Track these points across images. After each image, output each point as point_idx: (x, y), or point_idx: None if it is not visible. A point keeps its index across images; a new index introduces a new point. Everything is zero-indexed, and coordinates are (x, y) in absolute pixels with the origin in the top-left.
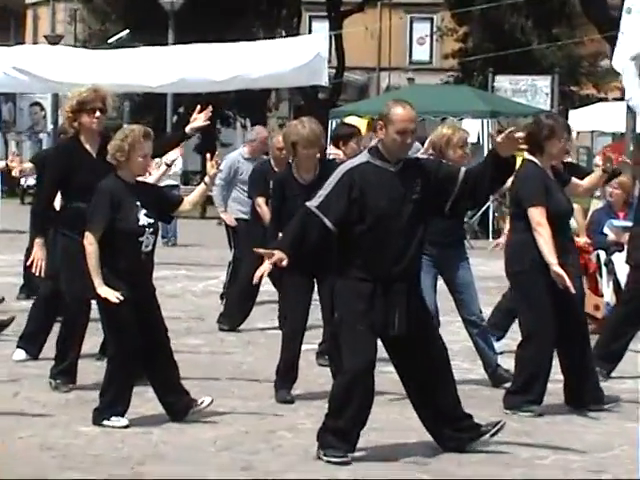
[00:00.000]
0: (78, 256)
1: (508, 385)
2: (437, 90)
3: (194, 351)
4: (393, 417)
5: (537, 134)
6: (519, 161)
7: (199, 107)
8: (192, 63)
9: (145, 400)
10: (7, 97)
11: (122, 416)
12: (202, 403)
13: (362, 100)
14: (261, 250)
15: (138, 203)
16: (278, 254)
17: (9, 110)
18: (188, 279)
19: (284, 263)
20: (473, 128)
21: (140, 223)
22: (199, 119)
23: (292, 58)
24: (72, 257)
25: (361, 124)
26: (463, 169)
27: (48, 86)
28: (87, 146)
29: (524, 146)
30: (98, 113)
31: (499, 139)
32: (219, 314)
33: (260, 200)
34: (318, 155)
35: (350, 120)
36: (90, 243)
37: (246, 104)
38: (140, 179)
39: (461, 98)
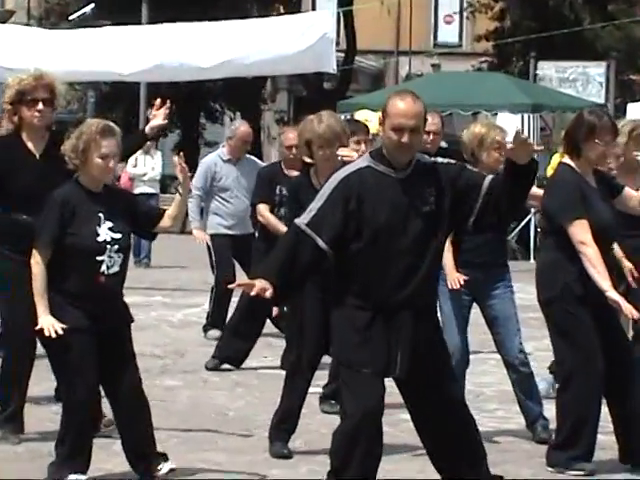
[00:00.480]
0: (20, 278)
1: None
2: (467, 79)
3: (171, 394)
4: (410, 475)
5: (575, 133)
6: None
7: (158, 101)
8: (170, 46)
9: (112, 454)
10: None
11: (83, 473)
12: (160, 470)
13: (376, 90)
14: (240, 282)
15: (101, 215)
16: (260, 284)
17: None
18: (165, 307)
19: (267, 294)
20: (511, 125)
21: (99, 239)
22: (158, 116)
23: (292, 40)
24: (12, 279)
25: (374, 119)
26: (489, 177)
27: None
28: (29, 144)
29: (539, 147)
30: (41, 105)
31: (509, 145)
32: (216, 347)
33: (262, 207)
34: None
35: (361, 115)
36: (36, 262)
37: (236, 95)
38: (115, 186)
39: (496, 88)
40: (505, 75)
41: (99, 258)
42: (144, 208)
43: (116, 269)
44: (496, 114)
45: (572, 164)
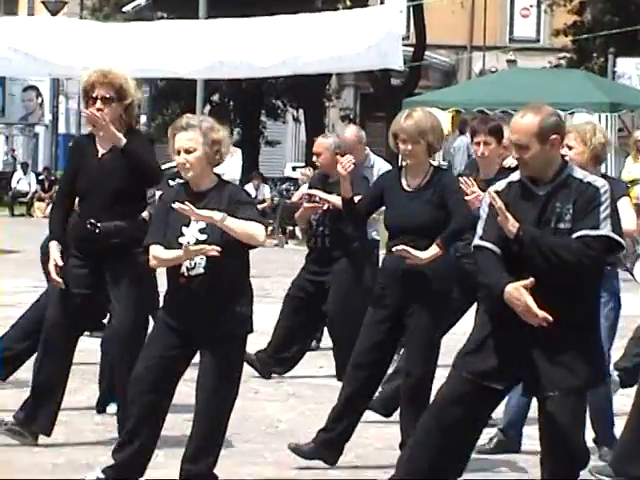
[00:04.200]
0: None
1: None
2: (542, 76)
3: None
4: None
5: None
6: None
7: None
8: (230, 43)
9: (153, 465)
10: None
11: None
12: None
13: (447, 87)
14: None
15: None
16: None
17: None
18: None
19: None
20: None
21: (182, 239)
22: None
23: (357, 36)
24: None
25: (443, 119)
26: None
27: (46, 68)
28: (97, 144)
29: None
30: (99, 103)
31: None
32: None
33: None
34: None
35: None
36: (152, 257)
37: (299, 92)
38: None
39: (573, 86)
40: (582, 72)
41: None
42: (242, 216)
43: (200, 271)
44: (572, 113)
45: None
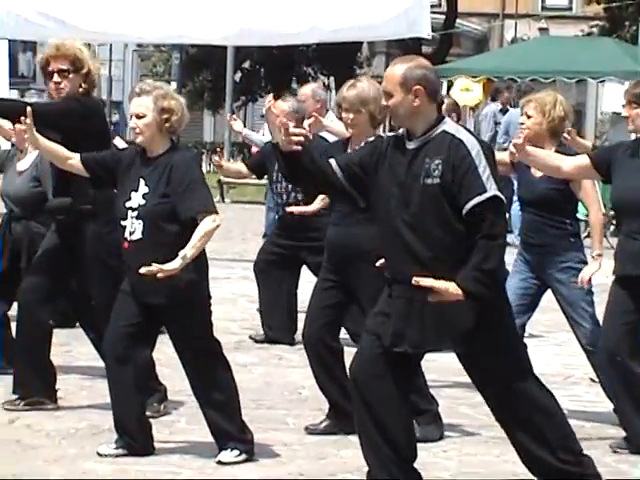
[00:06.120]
0: None
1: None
2: (573, 44)
3: (244, 371)
4: (488, 459)
5: None
6: None
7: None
8: (259, 9)
9: (174, 431)
10: (25, 45)
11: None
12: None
13: (478, 55)
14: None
15: (141, 180)
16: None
17: (27, 62)
18: (245, 280)
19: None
20: (617, 93)
21: (128, 203)
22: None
23: (385, 4)
24: None
25: (475, 88)
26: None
27: (78, 35)
28: None
29: None
30: (57, 77)
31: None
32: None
33: None
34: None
35: (461, 82)
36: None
37: (330, 59)
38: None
39: (603, 54)
40: (614, 40)
41: (123, 223)
42: (181, 199)
43: (138, 236)
44: (603, 82)
45: None
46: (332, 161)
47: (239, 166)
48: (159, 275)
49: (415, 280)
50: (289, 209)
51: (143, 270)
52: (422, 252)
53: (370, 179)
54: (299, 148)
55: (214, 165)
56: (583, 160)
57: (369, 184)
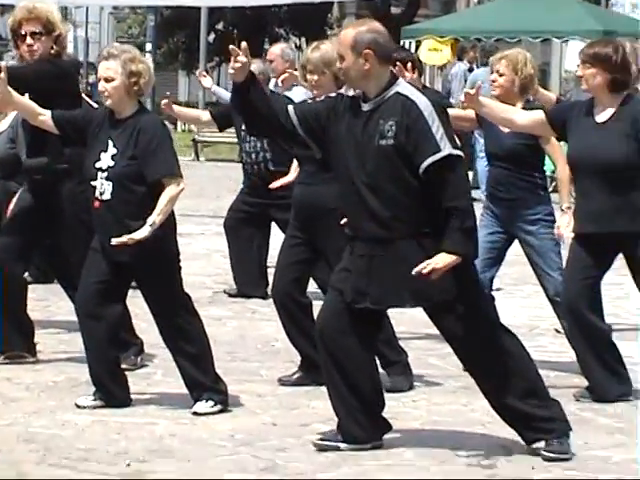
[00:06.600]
0: None
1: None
2: (537, 4)
3: (217, 324)
4: (456, 408)
5: None
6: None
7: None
8: None
9: (151, 383)
10: (4, 8)
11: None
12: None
13: (446, 15)
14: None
15: (110, 141)
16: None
17: (5, 24)
18: (219, 236)
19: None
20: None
21: (97, 164)
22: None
23: None
24: None
25: (443, 47)
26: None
27: None
28: None
29: None
30: (29, 39)
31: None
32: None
33: None
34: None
35: (428, 42)
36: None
37: (301, 20)
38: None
39: (567, 14)
40: (577, 1)
41: (93, 183)
42: (148, 163)
43: (107, 197)
44: (566, 41)
45: None
46: (289, 107)
47: (198, 113)
48: (129, 243)
49: (416, 272)
50: (272, 185)
51: (114, 241)
52: (381, 211)
53: (323, 131)
54: (248, 77)
55: (162, 107)
56: (538, 115)
57: (323, 136)
